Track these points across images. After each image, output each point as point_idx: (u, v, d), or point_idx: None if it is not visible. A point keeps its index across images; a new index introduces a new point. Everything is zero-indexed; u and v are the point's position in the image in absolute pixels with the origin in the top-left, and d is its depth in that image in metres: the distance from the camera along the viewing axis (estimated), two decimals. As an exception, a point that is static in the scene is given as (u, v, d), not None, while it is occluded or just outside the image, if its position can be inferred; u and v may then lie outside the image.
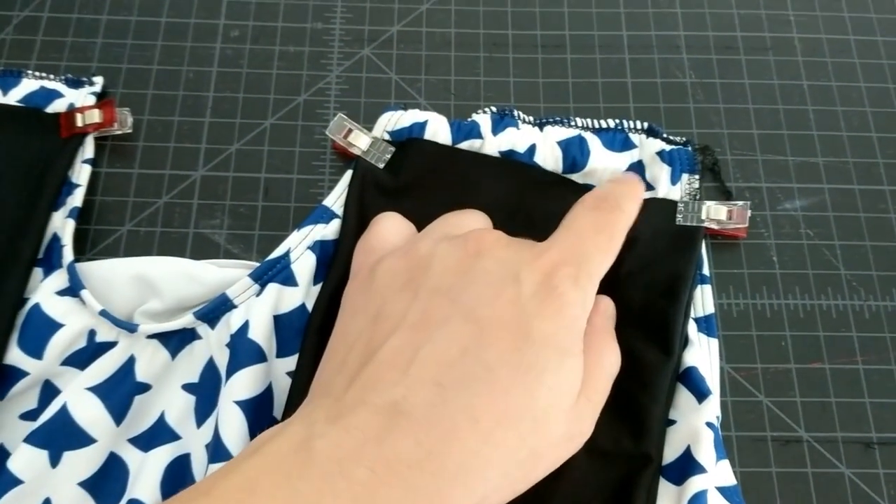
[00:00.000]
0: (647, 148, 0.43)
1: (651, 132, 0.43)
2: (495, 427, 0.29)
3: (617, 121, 0.43)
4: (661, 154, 0.42)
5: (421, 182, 0.41)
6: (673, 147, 0.43)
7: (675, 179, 0.42)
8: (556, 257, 0.32)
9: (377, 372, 0.30)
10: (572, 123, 0.43)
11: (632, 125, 0.43)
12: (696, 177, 0.42)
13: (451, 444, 0.28)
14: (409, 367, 0.29)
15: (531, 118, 0.43)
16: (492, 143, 0.41)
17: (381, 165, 0.41)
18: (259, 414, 0.36)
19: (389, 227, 0.37)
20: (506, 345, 0.30)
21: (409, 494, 0.27)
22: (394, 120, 0.42)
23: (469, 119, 0.43)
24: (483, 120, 0.42)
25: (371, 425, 0.28)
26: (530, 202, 0.41)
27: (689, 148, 0.43)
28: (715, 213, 0.41)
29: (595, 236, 0.34)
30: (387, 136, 0.42)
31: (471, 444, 0.28)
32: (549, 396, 0.30)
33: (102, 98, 0.44)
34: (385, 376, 0.29)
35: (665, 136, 0.43)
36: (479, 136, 0.42)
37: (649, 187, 0.42)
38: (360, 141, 0.42)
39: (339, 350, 0.32)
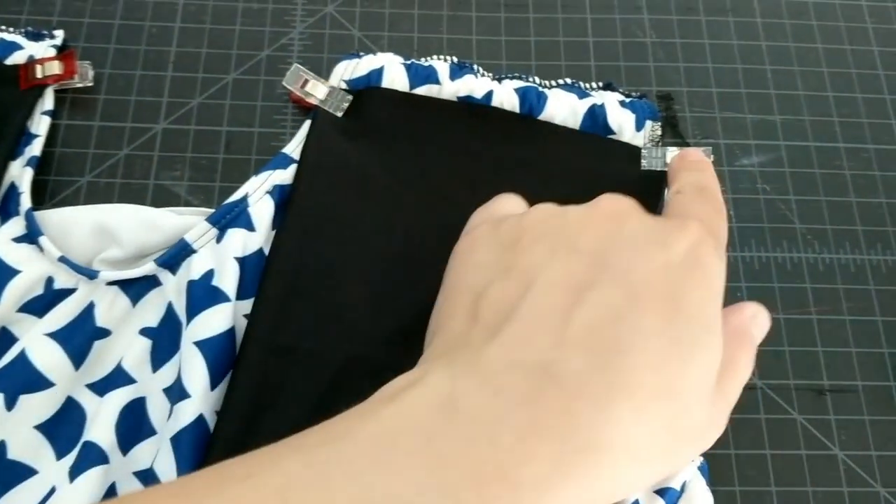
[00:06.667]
0: (609, 97, 0.43)
1: (608, 87, 0.44)
2: (650, 402, 0.26)
3: (574, 80, 0.44)
4: (622, 103, 0.43)
5: (382, 128, 0.41)
6: (634, 98, 0.43)
7: (639, 126, 0.42)
8: (699, 229, 0.30)
9: (524, 331, 0.27)
10: (530, 80, 0.43)
11: (589, 85, 0.44)
12: (659, 124, 0.43)
13: (603, 416, 0.25)
14: (563, 330, 0.27)
15: (490, 74, 0.43)
16: (449, 88, 0.41)
17: (340, 114, 0.41)
18: (219, 354, 0.36)
19: (511, 200, 0.35)
20: (659, 313, 0.27)
21: (555, 468, 0.25)
22: (350, 68, 0.42)
23: (426, 61, 0.43)
24: (441, 66, 0.42)
25: (520, 389, 0.26)
26: (496, 146, 0.41)
27: (645, 101, 0.43)
28: (677, 157, 0.42)
29: (718, 217, 0.32)
30: (344, 86, 0.42)
31: (625, 417, 0.25)
32: (699, 374, 0.27)
33: (63, 51, 0.44)
34: (535, 337, 0.27)
35: (622, 91, 0.44)
36: (436, 81, 0.42)
37: (612, 132, 0.42)
38: (317, 90, 0.41)
39: (464, 298, 0.30)
